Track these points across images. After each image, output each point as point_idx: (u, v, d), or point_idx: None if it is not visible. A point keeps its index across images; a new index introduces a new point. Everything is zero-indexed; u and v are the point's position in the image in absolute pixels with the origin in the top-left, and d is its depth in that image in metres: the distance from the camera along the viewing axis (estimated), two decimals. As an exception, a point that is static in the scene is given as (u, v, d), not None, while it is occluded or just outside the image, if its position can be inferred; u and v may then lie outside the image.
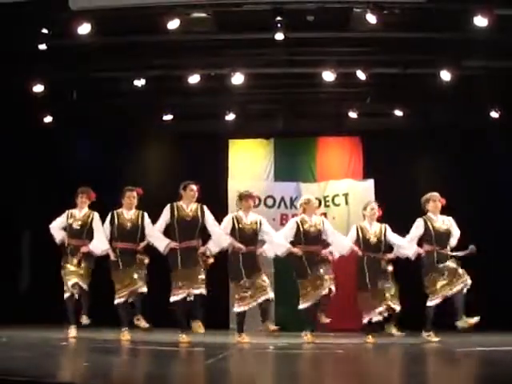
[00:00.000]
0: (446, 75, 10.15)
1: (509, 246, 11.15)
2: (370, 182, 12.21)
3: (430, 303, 8.63)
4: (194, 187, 8.56)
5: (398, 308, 9.34)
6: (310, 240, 8.92)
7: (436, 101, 11.26)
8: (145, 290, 8.54)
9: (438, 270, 8.60)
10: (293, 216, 11.98)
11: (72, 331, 8.66)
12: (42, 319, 10.43)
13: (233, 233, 8.68)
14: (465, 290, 8.48)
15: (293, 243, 8.93)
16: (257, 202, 10.65)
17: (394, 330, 9.90)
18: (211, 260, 8.57)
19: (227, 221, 8.75)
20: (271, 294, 8.55)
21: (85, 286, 8.74)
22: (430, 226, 8.79)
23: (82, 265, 8.76)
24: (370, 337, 8.75)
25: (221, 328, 10.93)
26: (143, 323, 8.47)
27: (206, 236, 8.61)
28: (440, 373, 5.71)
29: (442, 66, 10.15)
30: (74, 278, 8.70)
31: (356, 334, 9.64)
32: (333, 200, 12.30)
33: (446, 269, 8.56)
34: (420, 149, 12.17)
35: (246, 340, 8.50)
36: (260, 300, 8.51)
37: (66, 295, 8.73)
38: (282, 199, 12.42)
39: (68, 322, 8.74)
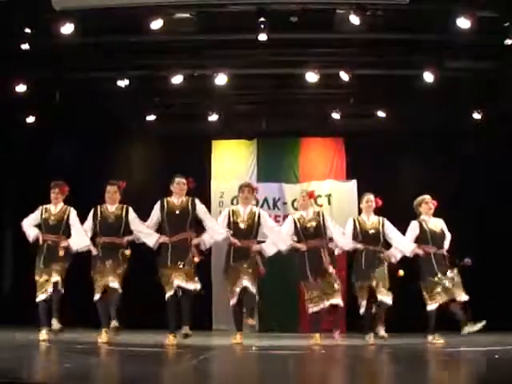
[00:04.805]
0: (428, 76, 10.21)
1: (496, 247, 11.22)
2: (353, 183, 12.26)
3: (429, 307, 8.60)
4: (182, 180, 8.36)
5: (388, 302, 8.57)
6: (309, 236, 8.70)
7: (419, 102, 11.29)
8: (116, 285, 8.11)
9: (435, 279, 8.61)
10: (275, 217, 12.09)
11: (43, 334, 8.21)
12: (24, 320, 10.34)
13: (228, 227, 8.51)
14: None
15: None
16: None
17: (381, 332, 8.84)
18: (197, 260, 8.22)
19: (224, 215, 8.64)
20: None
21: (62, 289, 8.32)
22: (426, 228, 8.81)
23: (59, 263, 8.35)
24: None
25: (204, 329, 10.90)
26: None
27: (201, 229, 8.42)
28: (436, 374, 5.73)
29: (424, 68, 10.20)
30: (55, 275, 8.30)
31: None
32: (315, 201, 12.30)
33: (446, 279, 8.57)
34: (403, 150, 12.20)
35: (238, 340, 8.25)
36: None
37: (41, 297, 8.31)
38: (265, 200, 12.37)
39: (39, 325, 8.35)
